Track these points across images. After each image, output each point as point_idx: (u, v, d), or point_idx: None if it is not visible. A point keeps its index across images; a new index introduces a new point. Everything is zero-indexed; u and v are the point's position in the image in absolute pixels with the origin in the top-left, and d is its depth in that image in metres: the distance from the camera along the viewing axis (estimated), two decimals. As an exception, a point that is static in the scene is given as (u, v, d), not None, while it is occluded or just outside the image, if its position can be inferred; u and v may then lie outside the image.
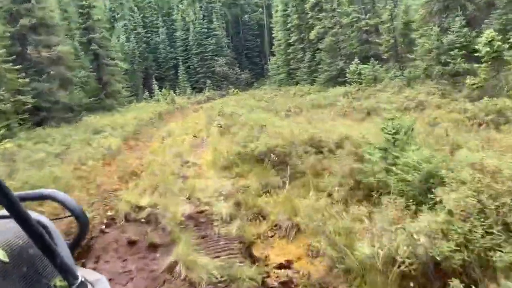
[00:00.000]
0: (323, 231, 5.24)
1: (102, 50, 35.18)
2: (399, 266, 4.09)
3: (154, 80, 55.40)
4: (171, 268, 5.92)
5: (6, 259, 1.04)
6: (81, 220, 1.30)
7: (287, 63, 38.76)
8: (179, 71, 58.61)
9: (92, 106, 33.13)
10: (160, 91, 50.08)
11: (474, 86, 15.02)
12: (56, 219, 1.44)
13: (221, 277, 5.51)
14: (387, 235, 4.31)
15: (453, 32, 17.65)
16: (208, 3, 64.33)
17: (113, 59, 38.30)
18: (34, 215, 1.17)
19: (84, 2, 33.76)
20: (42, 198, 1.36)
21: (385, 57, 23.67)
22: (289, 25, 36.50)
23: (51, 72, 25.45)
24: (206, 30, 61.14)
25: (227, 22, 71.89)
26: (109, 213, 8.59)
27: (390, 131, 6.66)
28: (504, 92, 13.96)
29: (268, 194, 8.35)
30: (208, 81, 57.62)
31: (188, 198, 9.10)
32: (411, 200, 4.82)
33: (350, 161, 7.23)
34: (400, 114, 8.48)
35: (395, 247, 4.14)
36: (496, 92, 14.17)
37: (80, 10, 34.34)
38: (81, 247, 6.18)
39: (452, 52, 17.29)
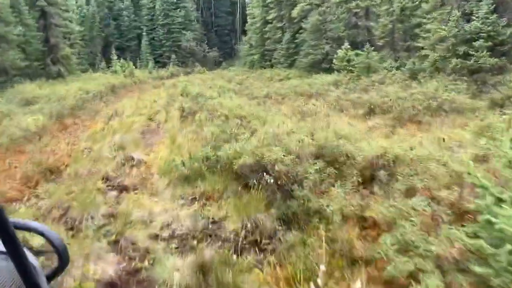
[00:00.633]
0: None
1: (52, 7, 29.86)
2: None
3: (114, 49, 49.89)
4: None
5: None
6: (64, 258, 1.22)
7: (261, 43, 34.71)
8: (142, 42, 53.19)
9: (34, 71, 28.03)
10: (120, 61, 44.78)
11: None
12: (39, 253, 1.51)
13: None
14: None
15: (478, 18, 14.28)
16: (179, -29, 58.87)
17: (65, 19, 33.08)
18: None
19: None
20: (28, 229, 1.24)
21: (380, 44, 20.17)
22: (268, 0, 32.45)
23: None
24: (174, 0, 55.82)
25: (198, -5, 66.65)
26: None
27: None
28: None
29: (257, 250, 4.61)
30: (173, 56, 52.65)
31: (116, 241, 5.18)
32: None
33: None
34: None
35: None
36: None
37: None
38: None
39: (476, 43, 13.96)
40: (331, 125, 9.16)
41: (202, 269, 4.40)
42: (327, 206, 4.61)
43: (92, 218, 5.76)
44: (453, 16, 14.79)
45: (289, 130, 7.16)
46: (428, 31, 16.30)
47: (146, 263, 4.75)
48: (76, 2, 51.88)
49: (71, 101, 17.43)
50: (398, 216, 3.94)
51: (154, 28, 55.83)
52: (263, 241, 4.83)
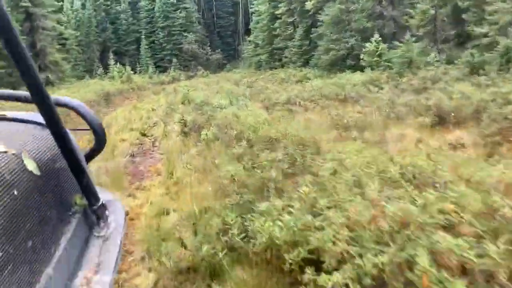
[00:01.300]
0: None
1: (37, 8, 26.46)
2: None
3: (111, 54, 46.54)
4: None
5: (38, 172, 0.99)
6: (99, 134, 1.25)
7: (269, 42, 31.13)
8: (141, 46, 49.81)
9: (17, 79, 24.64)
10: (117, 67, 41.31)
11: None
12: (76, 130, 1.46)
13: None
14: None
15: None
16: (178, -29, 55.48)
17: (59, 22, 29.82)
18: None
19: None
20: (66, 106, 1.24)
21: (417, 34, 16.45)
22: (277, -7, 28.96)
23: None
24: (174, 1, 52.40)
25: (199, -4, 63.29)
26: None
27: None
28: None
29: None
30: (174, 60, 49.21)
31: None
32: None
33: None
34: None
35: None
36: None
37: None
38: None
39: None
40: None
41: None
42: None
43: None
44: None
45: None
46: (493, 12, 12.74)
47: None
48: (72, 6, 48.61)
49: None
50: None
51: (154, 31, 52.50)
52: None
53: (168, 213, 5.63)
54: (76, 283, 1.04)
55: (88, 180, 1.09)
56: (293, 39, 26.45)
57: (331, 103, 12.57)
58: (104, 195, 1.25)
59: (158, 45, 51.59)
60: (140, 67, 48.08)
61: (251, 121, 7.56)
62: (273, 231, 3.35)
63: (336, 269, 2.71)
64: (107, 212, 1.21)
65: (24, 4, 25.49)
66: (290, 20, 27.01)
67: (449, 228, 2.63)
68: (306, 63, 24.83)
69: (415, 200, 2.99)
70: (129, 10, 53.55)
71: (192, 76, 45.11)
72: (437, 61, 14.56)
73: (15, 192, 0.89)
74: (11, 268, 0.84)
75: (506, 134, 7.66)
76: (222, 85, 22.48)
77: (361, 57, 17.48)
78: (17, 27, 25.09)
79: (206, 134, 8.60)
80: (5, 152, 0.94)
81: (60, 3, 44.65)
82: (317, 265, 2.93)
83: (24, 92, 1.03)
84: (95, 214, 1.17)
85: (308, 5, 23.00)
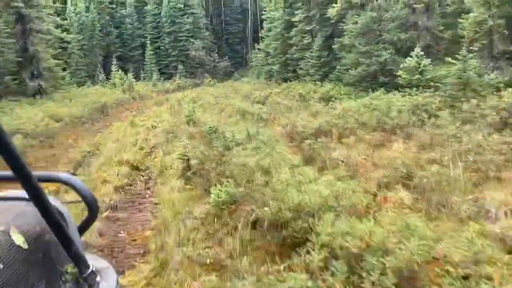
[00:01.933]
0: None
1: (31, 10, 23.77)
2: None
3: (114, 59, 43.93)
4: None
5: (26, 246, 1.03)
6: (93, 207, 1.29)
7: (282, 51, 28.29)
8: (146, 51, 47.10)
9: (5, 87, 22.02)
10: (119, 73, 38.59)
11: None
12: (68, 203, 1.49)
13: None
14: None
15: None
16: (186, -25, 52.90)
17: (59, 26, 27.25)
18: (50, 199, 1.05)
19: None
20: (56, 181, 1.29)
21: (475, 49, 13.46)
22: None
23: None
24: (182, 6, 49.76)
25: (208, 2, 60.68)
26: None
27: None
28: None
29: None
30: (180, 67, 46.45)
31: None
32: None
33: None
34: None
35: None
36: None
37: None
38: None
39: None
40: None
41: None
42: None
43: None
44: None
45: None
46: None
47: None
48: (75, 9, 46.12)
49: (18, 141, 11.12)
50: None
51: (160, 37, 49.80)
52: None
53: None
54: None
55: (77, 248, 1.08)
56: (311, 50, 23.58)
57: (376, 136, 9.73)
58: (95, 262, 1.23)
59: (163, 51, 48.89)
60: (145, 73, 45.40)
61: (292, 190, 4.69)
62: None
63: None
64: (98, 279, 1.18)
65: (15, 4, 22.80)
66: (308, 28, 24.15)
67: None
68: (325, 77, 21.94)
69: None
70: (135, 14, 50.92)
71: (198, 84, 42.40)
72: (499, 82, 11.72)
73: (1, 266, 0.92)
74: None
75: None
76: (232, 101, 19.64)
77: (398, 73, 14.60)
78: (3, 28, 22.36)
79: (219, 194, 5.77)
80: None
81: (61, 6, 42.42)
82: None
83: (6, 172, 1.00)
84: (86, 282, 1.13)
85: (331, 12, 20.11)
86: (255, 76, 41.77)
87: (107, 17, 49.07)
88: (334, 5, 20.03)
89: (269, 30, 32.94)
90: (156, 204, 7.79)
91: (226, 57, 54.34)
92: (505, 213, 5.28)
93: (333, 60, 22.54)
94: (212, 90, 31.02)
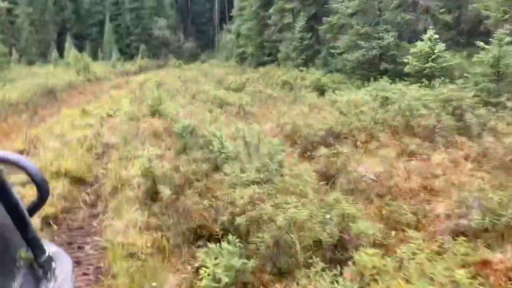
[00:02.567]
0: None
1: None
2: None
3: (69, 37, 39.58)
4: None
5: None
6: (42, 188, 1.22)
7: (258, 32, 25.36)
8: (105, 29, 42.85)
9: None
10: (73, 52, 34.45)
11: None
12: (16, 185, 1.43)
13: None
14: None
15: None
16: None
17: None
18: None
19: None
20: (5, 162, 1.21)
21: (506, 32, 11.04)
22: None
23: None
24: (145, -19, 45.69)
25: (172, -22, 56.44)
26: None
27: None
28: None
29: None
30: (143, 46, 42.55)
31: None
32: None
33: None
34: None
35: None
36: None
37: None
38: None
39: None
40: None
41: None
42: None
43: None
44: None
45: None
46: None
47: None
48: (23, -20, 41.09)
49: None
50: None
51: (120, 14, 45.55)
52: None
53: None
54: None
55: (33, 233, 1.07)
56: (292, 31, 20.81)
57: (406, 141, 7.26)
58: (49, 247, 1.21)
59: (124, 29, 44.80)
60: (103, 53, 41.29)
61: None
62: None
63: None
64: (53, 264, 1.16)
65: None
66: (289, 6, 21.33)
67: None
68: (308, 61, 19.28)
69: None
70: (93, -12, 46.33)
71: (162, 66, 38.91)
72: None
73: None
74: None
75: None
76: (203, 87, 16.73)
77: (404, 60, 12.17)
78: None
79: (214, 274, 3.07)
80: None
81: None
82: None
83: None
84: (41, 267, 1.11)
85: (318, -13, 17.44)
86: (224, 58, 38.72)
87: (62, -10, 44.29)
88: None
89: (242, 9, 29.87)
90: (102, 249, 5.04)
91: (192, 37, 50.78)
92: None
93: (316, 43, 19.94)
94: (178, 72, 27.73)
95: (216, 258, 3.21)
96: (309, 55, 19.58)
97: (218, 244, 3.37)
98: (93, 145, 9.66)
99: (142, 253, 4.52)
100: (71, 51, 32.96)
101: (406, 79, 12.21)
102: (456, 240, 3.76)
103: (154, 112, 11.32)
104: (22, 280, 1.02)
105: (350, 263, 3.13)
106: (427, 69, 11.40)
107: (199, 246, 3.89)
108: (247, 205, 3.83)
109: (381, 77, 12.97)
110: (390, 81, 12.04)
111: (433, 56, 11.45)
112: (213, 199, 4.32)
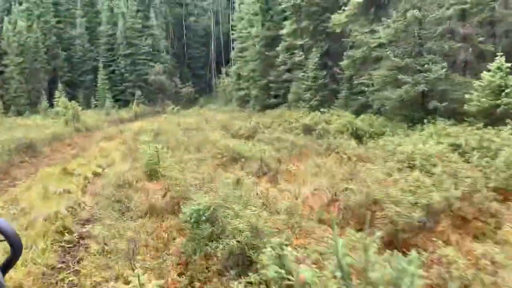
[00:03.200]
0: None
1: None
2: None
3: (60, 85, 37.29)
4: None
5: None
6: (16, 246, 1.23)
7: (263, 73, 23.02)
8: (99, 76, 40.76)
9: None
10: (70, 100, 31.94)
11: None
12: None
13: None
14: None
15: None
16: (145, -6, 47.43)
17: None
18: None
19: None
20: None
21: None
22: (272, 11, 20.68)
23: None
24: (140, 27, 44.10)
25: (168, 24, 55.30)
26: None
27: None
28: None
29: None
30: (138, 92, 40.31)
31: None
32: None
33: None
34: None
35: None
36: None
37: None
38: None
39: None
40: None
41: None
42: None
43: None
44: None
45: None
46: None
47: None
48: (15, 28, 39.25)
49: None
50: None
51: (115, 60, 43.64)
52: None
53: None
54: None
55: None
56: (305, 68, 18.41)
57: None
58: None
59: (119, 75, 42.71)
60: (97, 100, 38.97)
61: None
62: None
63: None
64: None
65: None
66: (299, 42, 19.08)
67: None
68: (323, 102, 16.78)
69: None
70: (86, 35, 44.56)
71: (159, 112, 36.50)
72: None
73: None
74: None
75: None
76: (209, 134, 14.04)
77: (469, 96, 9.60)
78: None
79: None
80: None
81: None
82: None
83: None
84: None
85: (337, 19, 15.07)
86: (223, 103, 36.51)
87: (54, 38, 42.45)
88: (339, 11, 15.03)
89: (243, 50, 27.77)
90: None
91: (189, 82, 48.85)
92: None
93: (332, 82, 17.52)
94: (177, 119, 25.16)
95: None
96: (325, 95, 17.11)
97: None
98: (67, 227, 6.82)
99: None
100: (60, 99, 30.53)
101: (466, 119, 9.62)
102: None
103: (151, 174, 8.54)
104: None
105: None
106: (501, 106, 8.79)
107: None
108: None
109: (432, 118, 10.34)
110: (450, 122, 9.43)
111: (508, 90, 8.89)
112: None
